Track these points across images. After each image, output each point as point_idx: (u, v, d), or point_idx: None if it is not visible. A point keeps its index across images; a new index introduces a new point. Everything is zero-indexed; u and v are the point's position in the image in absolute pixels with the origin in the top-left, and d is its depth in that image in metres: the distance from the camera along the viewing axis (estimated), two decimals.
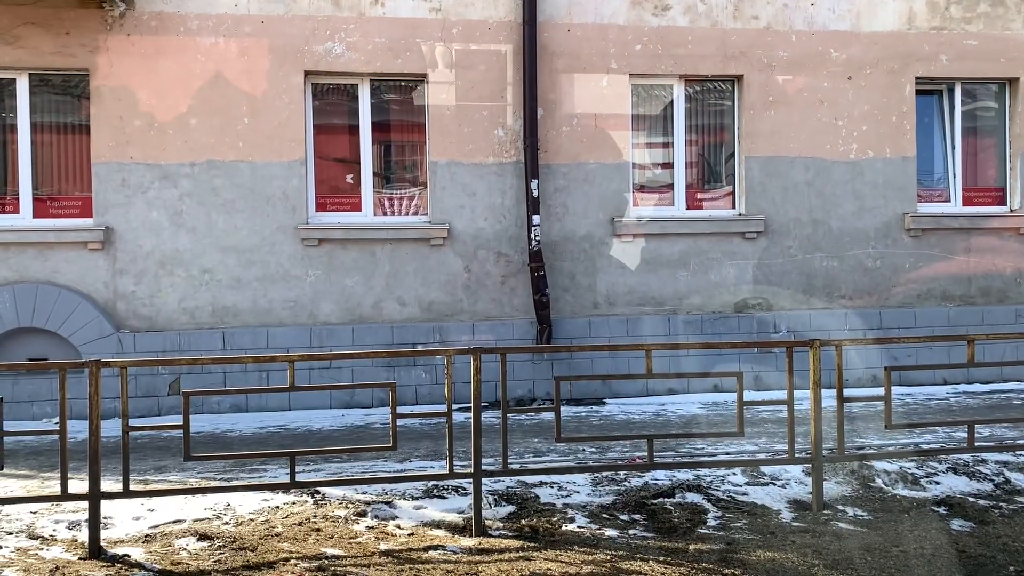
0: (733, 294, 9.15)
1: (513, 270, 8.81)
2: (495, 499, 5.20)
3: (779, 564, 4.33)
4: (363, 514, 5.04)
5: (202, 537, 4.69)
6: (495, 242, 8.78)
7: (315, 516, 5.02)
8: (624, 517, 5.04)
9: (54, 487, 4.94)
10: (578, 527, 4.87)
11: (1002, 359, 9.15)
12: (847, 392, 5.31)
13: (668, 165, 9.26)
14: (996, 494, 5.44)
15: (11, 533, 4.75)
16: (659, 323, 9.00)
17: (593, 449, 6.64)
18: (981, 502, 5.30)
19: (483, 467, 4.86)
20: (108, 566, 4.31)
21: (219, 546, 4.58)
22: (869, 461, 5.73)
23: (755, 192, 9.13)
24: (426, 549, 4.54)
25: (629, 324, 8.95)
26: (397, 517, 5.02)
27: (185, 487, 5.27)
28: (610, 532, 4.79)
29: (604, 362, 8.77)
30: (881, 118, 9.28)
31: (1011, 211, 9.60)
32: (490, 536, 4.73)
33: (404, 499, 5.26)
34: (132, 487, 4.73)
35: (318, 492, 5.39)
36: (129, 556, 4.44)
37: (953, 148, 9.63)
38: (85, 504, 4.61)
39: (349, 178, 8.83)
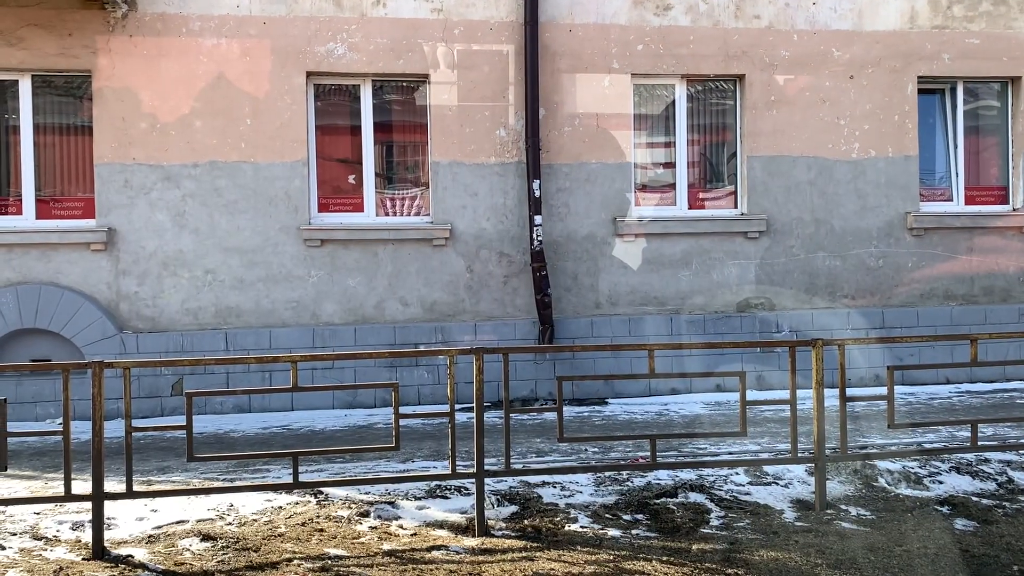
0: (735, 294, 9.15)
1: (515, 270, 8.81)
2: (498, 499, 5.21)
3: (782, 564, 4.33)
4: (366, 514, 5.05)
5: (205, 538, 4.70)
6: (497, 242, 8.79)
7: (318, 516, 5.02)
8: (627, 517, 5.04)
9: (58, 488, 4.95)
10: (581, 527, 4.88)
11: (1005, 358, 9.15)
12: (850, 391, 5.30)
13: (670, 165, 9.26)
14: (999, 493, 5.44)
15: (15, 534, 4.76)
16: (661, 323, 9.00)
17: (596, 449, 6.64)
18: (984, 501, 5.29)
19: (486, 467, 4.86)
20: (112, 567, 4.32)
21: (222, 547, 4.58)
22: (872, 460, 5.73)
23: (757, 192, 9.13)
24: (429, 549, 4.55)
25: (631, 324, 8.95)
26: (400, 517, 5.02)
27: (188, 488, 5.28)
28: (613, 532, 4.79)
29: (606, 362, 8.77)
30: (883, 117, 9.27)
31: (1013, 210, 9.59)
32: (493, 536, 4.73)
33: (407, 499, 5.27)
34: (135, 488, 4.73)
35: (321, 492, 5.39)
36: (133, 557, 4.45)
37: (955, 147, 9.62)
38: (88, 505, 4.61)
39: (351, 179, 8.84)
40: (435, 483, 5.40)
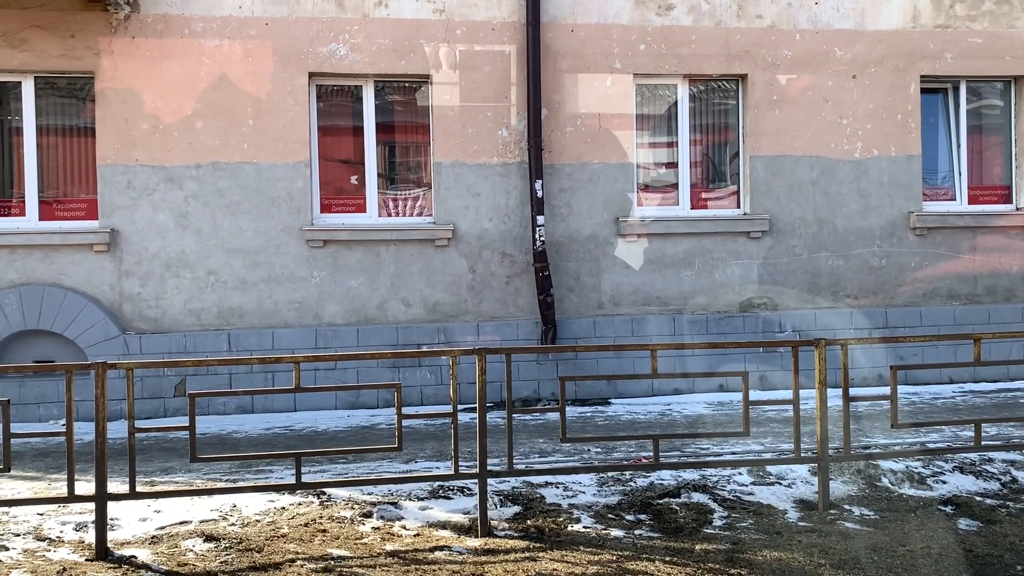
0: (738, 293, 9.14)
1: (518, 270, 8.81)
2: (501, 499, 5.21)
3: (785, 564, 4.33)
4: (369, 515, 5.05)
5: (208, 538, 4.70)
6: (500, 242, 8.79)
7: (321, 517, 5.02)
8: (630, 517, 5.04)
9: (61, 489, 4.96)
10: (584, 527, 4.87)
11: (1008, 358, 9.13)
12: (853, 391, 5.30)
13: (672, 165, 9.26)
14: (1003, 493, 5.43)
15: (18, 535, 4.77)
16: (664, 323, 8.99)
17: (598, 449, 6.63)
18: (988, 501, 5.28)
19: (488, 467, 4.86)
20: (115, 567, 4.33)
21: (225, 547, 4.59)
22: (875, 460, 5.72)
23: (760, 191, 9.12)
24: (432, 550, 4.55)
25: (634, 324, 8.95)
26: (403, 518, 5.02)
27: (191, 488, 5.28)
28: (616, 532, 4.79)
29: (609, 362, 8.77)
30: (886, 117, 9.26)
31: (1017, 209, 9.57)
32: (496, 536, 4.73)
33: (410, 500, 5.27)
34: (138, 488, 4.74)
35: (324, 493, 5.40)
36: (136, 557, 4.45)
37: (958, 146, 9.60)
38: (92, 506, 4.62)
39: (353, 179, 8.84)
40: (438, 484, 5.39)
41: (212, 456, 5.14)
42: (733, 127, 9.31)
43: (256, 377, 8.37)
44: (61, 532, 4.82)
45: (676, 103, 9.22)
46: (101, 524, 4.51)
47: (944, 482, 5.57)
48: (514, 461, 5.06)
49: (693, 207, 9.22)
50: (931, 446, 6.29)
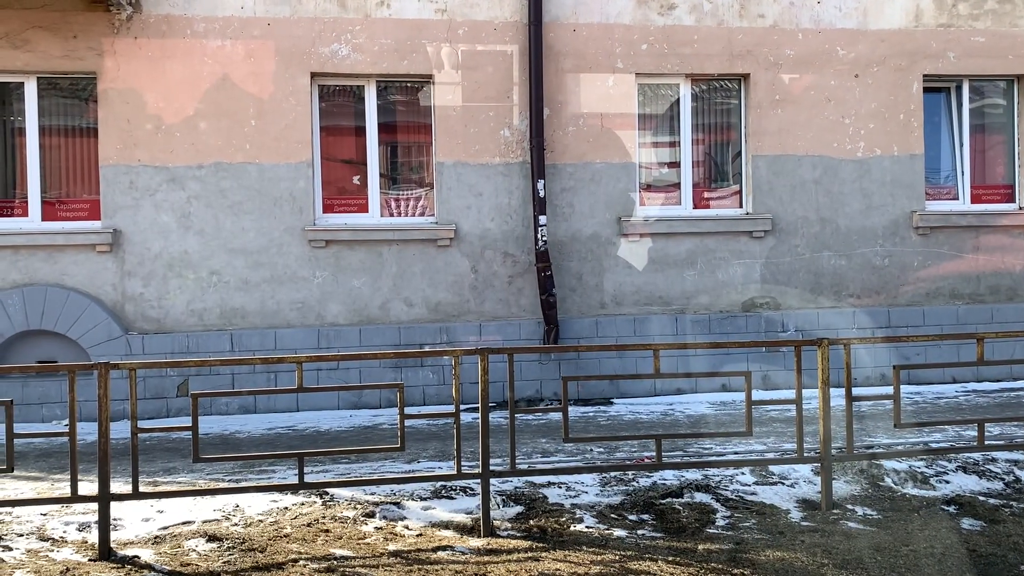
0: (741, 293, 9.13)
1: (520, 270, 8.81)
2: (503, 499, 5.21)
3: (788, 564, 4.32)
4: (371, 515, 5.05)
5: (211, 538, 4.70)
6: (502, 242, 8.79)
7: (324, 517, 5.03)
8: (633, 517, 5.03)
9: (64, 489, 4.97)
10: (587, 527, 4.87)
11: (1012, 357, 9.11)
12: (856, 391, 5.29)
13: (675, 164, 9.25)
14: (1006, 493, 5.42)
15: (22, 535, 4.77)
16: (666, 323, 8.99)
17: (601, 449, 6.63)
18: (991, 501, 5.28)
19: (491, 467, 4.86)
20: (118, 567, 4.33)
21: (228, 547, 4.59)
22: (878, 460, 5.71)
23: (762, 191, 9.11)
24: (435, 550, 4.55)
25: (636, 324, 8.94)
26: (405, 518, 5.02)
27: (194, 488, 5.29)
28: (619, 532, 4.79)
29: (611, 362, 8.77)
30: (888, 116, 9.25)
31: (1020, 208, 9.56)
32: (498, 536, 4.73)
33: (412, 500, 5.27)
34: (141, 489, 4.74)
35: (327, 493, 5.40)
36: (139, 557, 4.46)
37: (961, 146, 9.59)
38: (95, 506, 4.62)
39: (356, 179, 8.85)
40: (440, 484, 5.39)
41: (215, 456, 5.14)
42: (735, 126, 9.30)
43: (259, 377, 8.37)
44: (64, 532, 4.82)
45: (678, 103, 9.21)
46: (104, 524, 4.51)
47: (947, 482, 5.56)
48: (517, 461, 5.06)
49: (695, 207, 9.22)
50: (934, 446, 6.29)
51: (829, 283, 9.23)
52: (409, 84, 8.91)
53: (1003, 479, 5.60)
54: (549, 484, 5.49)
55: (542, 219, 8.59)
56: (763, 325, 9.11)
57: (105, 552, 4.48)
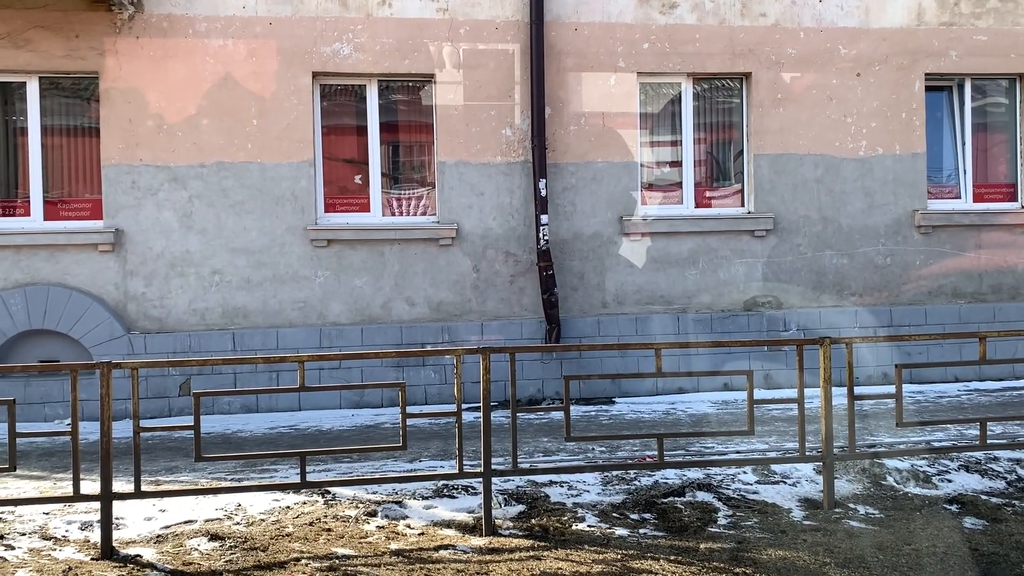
0: (743, 292, 9.13)
1: (522, 269, 8.81)
2: (505, 498, 5.21)
3: (790, 563, 4.32)
4: (373, 514, 5.05)
5: (213, 537, 4.71)
6: (503, 242, 8.79)
7: (326, 516, 5.03)
8: (634, 516, 5.03)
9: (66, 488, 4.97)
10: (588, 526, 4.87)
11: (1014, 356, 9.10)
12: (858, 390, 5.29)
13: (676, 163, 9.25)
14: (1009, 492, 5.42)
15: (24, 534, 4.78)
16: (668, 322, 8.98)
17: (603, 448, 6.63)
18: (993, 500, 5.27)
19: (493, 466, 4.86)
20: (120, 566, 4.34)
21: (230, 546, 4.59)
22: (880, 459, 5.71)
23: (764, 190, 9.11)
24: (436, 549, 4.55)
25: (638, 323, 8.94)
26: (407, 517, 5.03)
27: (196, 487, 5.29)
28: (620, 531, 4.79)
29: (613, 361, 8.77)
30: (890, 115, 9.24)
31: (1022, 207, 9.55)
32: (500, 535, 4.73)
33: (414, 499, 5.27)
34: (144, 488, 4.75)
35: (328, 492, 5.40)
36: (141, 556, 4.46)
37: (963, 144, 9.58)
38: (97, 505, 4.63)
39: (357, 179, 8.85)
40: (442, 482, 5.40)
41: (217, 455, 5.15)
42: (737, 125, 9.29)
43: (260, 376, 8.38)
44: (66, 531, 4.83)
45: (680, 101, 9.21)
46: (106, 523, 4.52)
47: (949, 481, 5.55)
48: (518, 460, 5.06)
49: (697, 206, 9.21)
50: (936, 445, 6.29)
51: (831, 282, 9.22)
52: (411, 83, 8.91)
53: (1005, 478, 5.60)
54: (551, 483, 5.49)
55: (544, 218, 8.59)
56: (765, 324, 9.11)
57: (107, 551, 4.48)
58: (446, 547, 4.57)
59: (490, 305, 8.79)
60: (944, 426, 6.86)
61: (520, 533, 4.77)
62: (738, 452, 6.36)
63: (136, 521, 4.97)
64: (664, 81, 9.17)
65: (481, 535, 4.73)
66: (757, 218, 9.08)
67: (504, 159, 8.75)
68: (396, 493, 5.38)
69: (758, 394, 7.19)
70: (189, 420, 5.08)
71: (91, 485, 4.74)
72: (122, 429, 6.56)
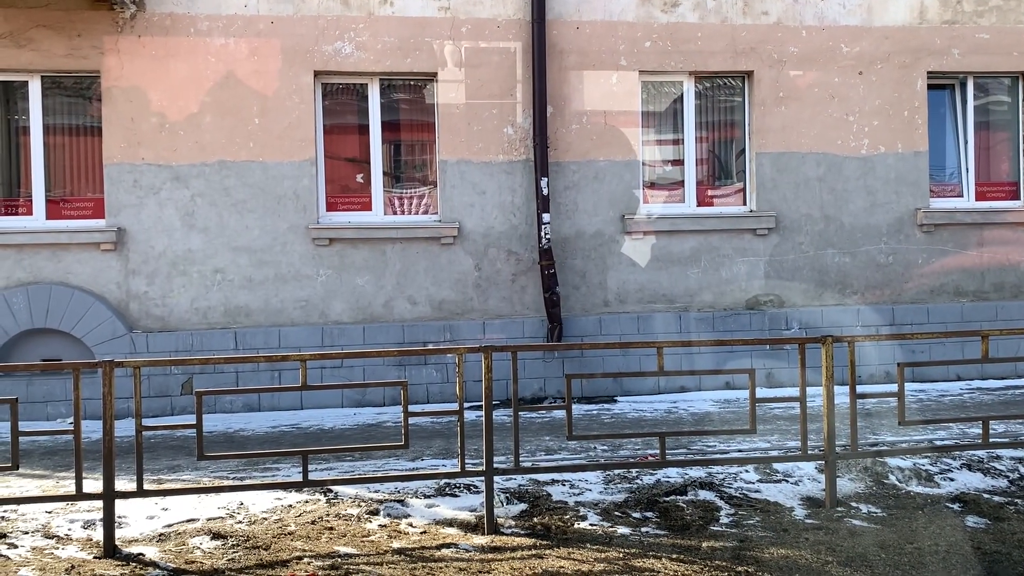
0: (745, 291, 9.12)
1: (523, 268, 8.81)
2: (507, 497, 5.21)
3: (792, 561, 4.32)
4: (375, 512, 5.05)
5: (216, 536, 4.71)
6: (505, 240, 8.78)
7: (328, 514, 5.03)
8: (636, 515, 5.03)
9: (69, 487, 4.97)
10: (590, 525, 4.87)
11: (1016, 355, 9.09)
12: (860, 388, 5.29)
13: (678, 162, 9.24)
14: (1011, 490, 5.41)
15: (27, 532, 4.78)
16: (670, 320, 8.98)
17: (605, 447, 6.63)
18: (996, 498, 5.27)
19: (495, 465, 4.86)
20: (123, 565, 4.34)
21: (233, 545, 4.60)
22: (883, 458, 5.70)
23: (766, 188, 9.10)
24: (438, 547, 4.55)
25: (640, 321, 8.94)
26: (409, 515, 5.03)
27: (198, 486, 5.29)
28: (622, 530, 4.79)
29: (615, 360, 8.76)
30: (893, 113, 9.23)
31: None
32: (502, 534, 4.73)
33: (416, 497, 5.27)
34: (146, 486, 4.75)
35: (331, 491, 5.41)
36: (143, 555, 4.47)
37: (966, 143, 9.56)
38: (100, 503, 4.64)
39: (359, 177, 8.85)
40: (444, 481, 5.40)
41: (219, 454, 5.16)
42: (739, 124, 9.28)
43: (262, 375, 8.38)
44: (69, 530, 4.83)
45: (682, 100, 9.20)
46: (109, 522, 4.52)
47: (952, 479, 5.55)
48: (520, 459, 5.06)
49: (699, 204, 9.21)
50: (939, 443, 6.28)
51: (833, 280, 9.21)
52: (412, 82, 8.91)
53: (1008, 476, 5.59)
54: (553, 482, 5.49)
55: (546, 217, 8.59)
56: (767, 322, 9.10)
57: (110, 550, 4.48)
58: (448, 546, 4.57)
59: (492, 304, 8.79)
60: (946, 425, 6.85)
61: (522, 532, 4.77)
62: (740, 451, 6.36)
63: (138, 520, 4.97)
64: (666, 80, 9.16)
65: (483, 534, 4.73)
66: (759, 217, 9.07)
67: (506, 158, 8.75)
68: (398, 492, 5.38)
69: (760, 393, 7.19)
70: (191, 419, 5.09)
71: (93, 484, 4.74)
72: (124, 428, 6.57)
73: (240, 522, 4.96)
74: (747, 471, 5.62)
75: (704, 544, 4.57)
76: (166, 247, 8.38)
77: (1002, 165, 9.68)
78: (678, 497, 5.25)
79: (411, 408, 4.97)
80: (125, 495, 4.65)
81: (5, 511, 5.11)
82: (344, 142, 8.89)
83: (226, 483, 5.53)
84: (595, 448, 6.60)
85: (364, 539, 4.68)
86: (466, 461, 4.88)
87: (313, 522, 4.93)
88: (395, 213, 8.88)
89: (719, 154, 9.41)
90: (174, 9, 8.30)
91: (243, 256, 8.48)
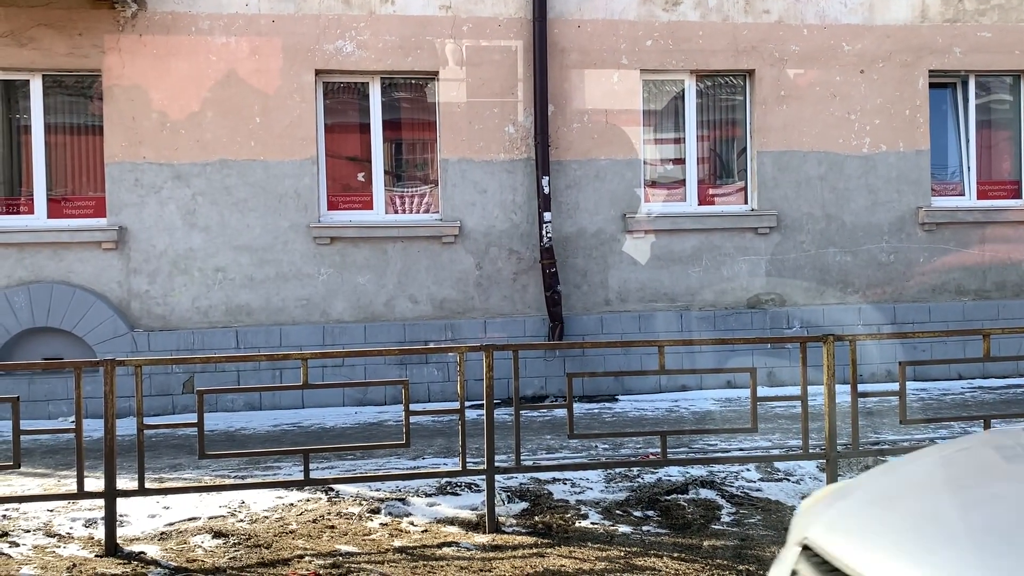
0: (746, 289, 9.12)
1: (525, 267, 8.81)
2: (508, 496, 5.21)
3: None
4: (377, 511, 5.06)
5: (217, 534, 4.71)
6: (506, 239, 8.78)
7: (329, 513, 5.03)
8: (637, 513, 5.03)
9: (70, 485, 4.98)
10: (591, 523, 4.87)
11: (1018, 353, 9.08)
12: (861, 387, 5.28)
13: (679, 161, 9.24)
14: None
15: (29, 531, 4.79)
16: (672, 319, 8.98)
17: (606, 446, 6.63)
18: None
19: (496, 464, 4.86)
20: (124, 563, 4.34)
21: (234, 543, 4.60)
22: (884, 456, 5.70)
23: (767, 187, 9.09)
24: (440, 546, 4.55)
25: (641, 320, 8.94)
26: (411, 514, 5.03)
27: (200, 485, 5.30)
28: (624, 528, 4.79)
29: (616, 359, 8.76)
30: (894, 112, 9.22)
31: None
32: (504, 533, 4.73)
33: (417, 496, 5.27)
34: (147, 485, 4.76)
35: (332, 489, 5.41)
36: (145, 553, 4.47)
37: (967, 141, 9.55)
38: (101, 502, 4.64)
39: (360, 176, 8.85)
40: (446, 480, 5.40)
41: (220, 453, 5.16)
42: (740, 123, 9.28)
43: (264, 374, 8.39)
44: (71, 528, 4.84)
45: (683, 98, 9.20)
46: (110, 520, 4.53)
47: None
48: (522, 457, 5.06)
49: (700, 203, 9.20)
50: (940, 442, 6.26)
51: (835, 279, 9.21)
52: (414, 81, 8.91)
53: None
54: (554, 480, 5.50)
55: (547, 216, 8.59)
56: (768, 321, 9.10)
57: (111, 548, 4.49)
58: (449, 544, 4.57)
59: (493, 302, 8.79)
60: (948, 423, 6.84)
61: (523, 530, 4.77)
62: (741, 449, 6.36)
63: (140, 518, 4.98)
64: (667, 78, 9.16)
65: (484, 532, 4.73)
66: (760, 215, 9.06)
67: (507, 156, 8.74)
68: (399, 490, 5.39)
69: (761, 391, 7.18)
70: (193, 417, 5.09)
71: (95, 482, 4.75)
72: (126, 426, 6.57)
73: (241, 521, 4.96)
74: (748, 470, 5.62)
75: (705, 543, 4.57)
76: (167, 246, 8.39)
77: (1004, 164, 9.68)
78: (679, 496, 5.26)
79: (412, 407, 4.97)
80: (126, 494, 4.65)
81: (7, 509, 5.12)
82: (345, 141, 8.89)
83: (227, 482, 5.53)
84: (596, 447, 6.60)
85: (365, 538, 4.68)
86: (467, 460, 4.88)
87: (314, 521, 4.93)
88: (396, 212, 8.88)
89: (720, 153, 9.40)
90: (175, 8, 8.30)
91: (244, 255, 8.48)
